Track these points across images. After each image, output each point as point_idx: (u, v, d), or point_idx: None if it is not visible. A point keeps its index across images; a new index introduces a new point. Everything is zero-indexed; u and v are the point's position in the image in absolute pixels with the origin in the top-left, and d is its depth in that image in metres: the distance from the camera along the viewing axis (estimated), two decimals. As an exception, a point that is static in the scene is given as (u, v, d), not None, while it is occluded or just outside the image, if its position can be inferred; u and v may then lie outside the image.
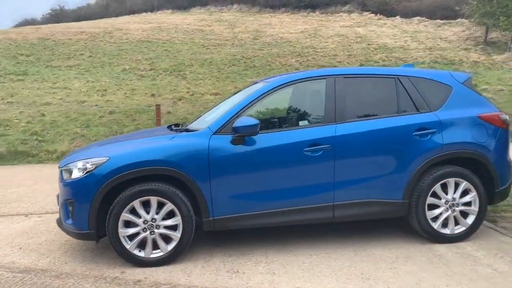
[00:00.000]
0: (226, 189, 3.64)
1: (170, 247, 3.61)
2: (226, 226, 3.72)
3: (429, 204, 3.91)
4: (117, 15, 48.17)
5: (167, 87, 14.75)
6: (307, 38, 26.05)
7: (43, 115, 11.74)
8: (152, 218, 3.57)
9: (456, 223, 3.99)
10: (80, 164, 3.60)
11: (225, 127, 3.68)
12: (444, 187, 3.94)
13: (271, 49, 22.58)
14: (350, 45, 23.65)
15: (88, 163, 3.57)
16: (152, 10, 48.18)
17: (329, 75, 4.00)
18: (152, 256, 3.61)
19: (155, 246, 3.62)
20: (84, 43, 22.94)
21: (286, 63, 19.30)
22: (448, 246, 3.90)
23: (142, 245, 3.62)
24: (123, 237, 3.55)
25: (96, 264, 3.70)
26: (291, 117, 4.24)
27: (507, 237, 4.12)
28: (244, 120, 3.59)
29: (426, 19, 35.57)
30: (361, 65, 19.06)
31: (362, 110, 3.97)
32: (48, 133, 10.52)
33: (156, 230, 3.59)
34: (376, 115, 3.95)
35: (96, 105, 12.65)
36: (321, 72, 4.08)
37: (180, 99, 13.35)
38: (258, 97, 3.86)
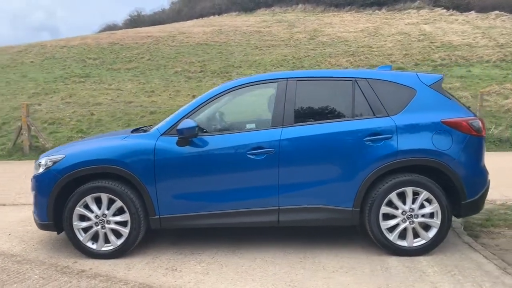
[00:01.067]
0: (171, 189, 3.77)
1: (120, 241, 3.83)
2: (172, 225, 3.86)
3: (385, 214, 3.72)
4: (187, 19, 50.33)
5: (209, 88, 15.17)
6: (365, 37, 25.21)
7: (92, 114, 12.74)
8: (103, 214, 3.81)
9: (416, 235, 3.74)
10: (43, 161, 3.95)
11: (172, 129, 3.81)
12: (403, 197, 3.72)
13: (325, 49, 22.21)
14: (409, 44, 22.45)
15: (48, 160, 3.91)
16: (219, 13, 49.68)
17: (281, 78, 3.96)
18: (103, 249, 3.85)
19: (107, 240, 3.85)
20: (147, 47, 24.30)
21: (336, 63, 18.89)
22: (402, 259, 3.68)
23: (96, 238, 3.87)
24: (78, 229, 3.84)
25: (58, 253, 4.03)
26: (241, 121, 4.25)
27: (477, 254, 3.78)
28: (185, 123, 3.69)
29: (506, 14, 32.63)
30: (416, 64, 18.08)
31: (313, 114, 3.88)
32: (92, 131, 11.42)
33: (106, 225, 3.82)
34: (328, 119, 3.84)
35: (141, 106, 13.42)
36: (273, 76, 4.06)
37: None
38: (206, 100, 3.94)
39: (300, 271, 3.53)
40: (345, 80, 3.92)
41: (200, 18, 48.59)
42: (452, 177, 3.69)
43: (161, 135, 3.82)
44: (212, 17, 47.82)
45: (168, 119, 4.00)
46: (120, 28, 57.22)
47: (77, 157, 3.83)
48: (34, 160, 4.33)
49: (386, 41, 23.86)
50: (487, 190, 3.86)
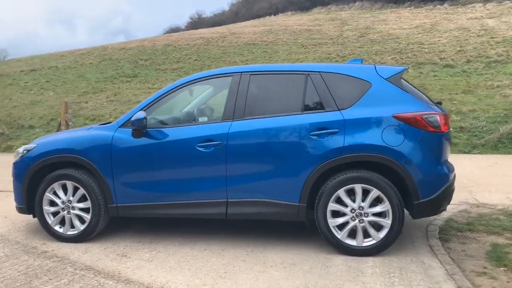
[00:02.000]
0: (126, 179, 3.95)
1: (83, 227, 4.07)
2: (128, 213, 4.03)
3: (334, 211, 3.61)
4: (244, 20, 51.03)
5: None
6: (419, 34, 24.00)
7: (130, 111, 13.46)
8: (69, 200, 4.08)
9: (367, 235, 3.59)
10: (20, 149, 4.30)
11: (128, 121, 3.98)
12: (353, 194, 3.59)
13: (372, 47, 21.49)
14: (466, 40, 21.01)
15: (23, 149, 4.25)
16: (275, 13, 49.85)
17: (235, 72, 3.98)
18: (68, 233, 4.12)
19: (73, 225, 4.12)
20: (197, 48, 25.08)
21: (380, 61, 18.18)
22: (349, 259, 3.56)
23: (63, 222, 4.15)
24: (47, 214, 4.14)
25: (35, 235, 4.37)
26: (195, 114, 4.30)
27: (433, 258, 3.54)
28: (136, 115, 3.85)
29: None
30: (468, 61, 16.87)
31: (263, 108, 3.86)
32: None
33: (72, 211, 4.09)
34: (278, 113, 3.79)
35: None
36: (229, 70, 4.09)
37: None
38: (163, 94, 4.07)
39: (239, 264, 3.54)
40: (298, 74, 3.85)
41: (257, 19, 49.05)
42: (403, 175, 3.49)
43: (119, 127, 4.01)
44: (267, 17, 48.08)
45: (128, 112, 4.18)
46: (181, 30, 59.48)
47: (45, 147, 4.14)
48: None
49: (441, 37, 22.57)
50: (448, 190, 3.60)
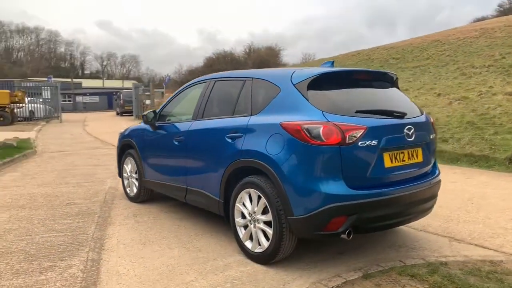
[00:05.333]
0: (147, 159, 5.28)
1: (136, 190, 5.69)
2: (147, 185, 5.35)
3: (240, 212, 3.80)
4: None
5: (465, 86, 13.15)
6: None
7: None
8: (130, 171, 5.78)
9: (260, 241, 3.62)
10: (121, 130, 6.29)
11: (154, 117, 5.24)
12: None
13: None
14: None
15: (123, 129, 6.21)
16: None
17: (208, 79, 4.59)
18: (131, 194, 5.83)
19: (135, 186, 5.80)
20: (463, 42, 22.54)
21: None
22: (246, 263, 3.66)
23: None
24: (125, 176, 5.99)
25: None
26: (182, 114, 4.96)
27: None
28: (147, 113, 5.08)
29: None
30: None
31: (213, 110, 4.32)
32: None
33: (131, 179, 5.77)
34: (219, 115, 4.19)
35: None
36: (205, 77, 4.70)
37: (459, 100, 11.86)
38: (171, 98, 5.11)
39: (152, 247, 4.23)
40: (238, 80, 4.10)
41: None
42: (276, 186, 3.31)
43: (148, 122, 5.32)
44: None
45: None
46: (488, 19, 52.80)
47: (124, 132, 5.93)
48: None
49: None
50: (326, 213, 3.10)
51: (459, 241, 4.12)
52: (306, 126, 3.19)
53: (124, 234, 4.43)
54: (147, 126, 5.32)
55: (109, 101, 49.97)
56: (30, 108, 24.72)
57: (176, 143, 4.64)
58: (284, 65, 43.11)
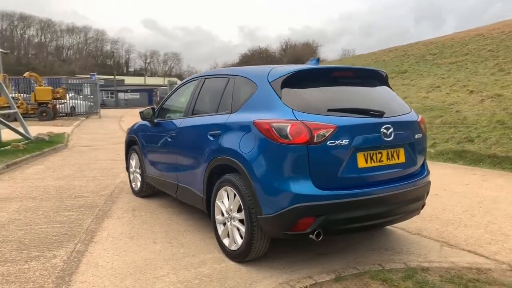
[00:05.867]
0: (147, 155, 5.40)
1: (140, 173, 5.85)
2: (148, 180, 5.47)
3: (219, 208, 3.82)
4: None
5: (501, 83, 12.37)
6: None
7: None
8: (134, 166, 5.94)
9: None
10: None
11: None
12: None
13: None
14: None
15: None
16: None
17: (200, 76, 4.62)
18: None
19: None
20: (506, 36, 21.27)
21: None
22: (220, 259, 3.68)
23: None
24: (131, 172, 6.16)
25: None
26: (177, 111, 4.99)
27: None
28: (144, 110, 5.18)
29: None
30: None
31: (202, 107, 4.35)
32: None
33: (135, 174, 5.93)
34: (205, 112, 4.21)
35: (423, 103, 13.20)
36: (198, 74, 4.70)
37: (492, 97, 11.19)
38: (167, 97, 5.19)
39: (138, 241, 4.29)
40: (224, 78, 4.10)
41: None
42: (247, 184, 3.29)
43: (149, 118, 5.42)
44: None
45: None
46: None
47: (131, 127, 6.10)
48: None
49: None
50: (293, 212, 3.05)
51: (452, 246, 3.93)
52: (275, 124, 3.15)
53: (117, 228, 4.56)
54: (147, 122, 5.43)
55: (149, 97, 51.36)
56: (71, 104, 25.89)
57: (169, 139, 4.71)
58: (321, 62, 42.49)
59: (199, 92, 4.47)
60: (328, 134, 3.08)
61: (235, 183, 3.45)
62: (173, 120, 4.83)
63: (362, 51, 55.84)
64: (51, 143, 11.46)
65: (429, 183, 3.76)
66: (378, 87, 3.83)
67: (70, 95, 25.79)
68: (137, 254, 3.79)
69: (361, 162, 3.22)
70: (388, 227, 4.47)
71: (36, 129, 15.30)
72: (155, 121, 5.19)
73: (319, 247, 3.87)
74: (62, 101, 24.67)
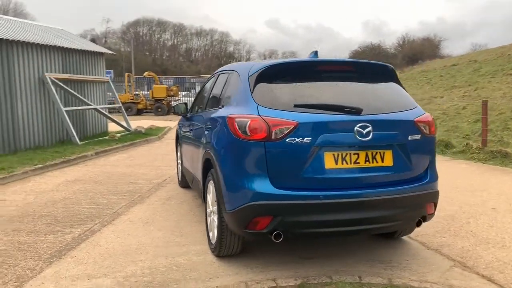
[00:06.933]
0: (182, 148, 5.69)
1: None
2: (183, 171, 5.75)
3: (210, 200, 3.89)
4: None
5: None
6: None
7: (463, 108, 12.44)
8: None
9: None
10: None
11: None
12: None
13: None
14: None
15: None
16: None
17: (216, 72, 4.69)
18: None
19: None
20: None
21: None
22: (201, 251, 3.76)
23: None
24: (179, 165, 6.56)
25: None
26: (200, 105, 5.01)
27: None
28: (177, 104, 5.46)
29: None
30: None
31: (211, 102, 4.40)
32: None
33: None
34: (212, 107, 4.26)
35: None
36: (217, 70, 4.74)
37: None
38: (199, 91, 5.36)
39: (148, 227, 4.53)
40: (226, 73, 4.11)
41: None
42: (217, 178, 3.28)
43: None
44: None
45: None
46: None
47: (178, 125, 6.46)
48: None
49: None
50: (248, 210, 2.93)
51: (466, 268, 3.35)
52: (237, 120, 3.09)
53: (140, 213, 4.90)
54: (185, 116, 5.69)
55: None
56: (184, 101, 28.20)
57: (189, 133, 4.90)
58: (442, 57, 38.82)
59: (212, 87, 4.55)
60: (287, 131, 2.90)
61: (213, 176, 3.47)
62: (195, 115, 4.99)
63: (494, 45, 49.48)
64: (145, 135, 12.69)
65: (433, 192, 3.27)
66: (374, 83, 3.45)
67: (183, 93, 28.06)
68: (136, 239, 4.04)
69: (329, 163, 2.95)
70: (406, 238, 4.01)
71: (148, 122, 17.09)
72: (188, 115, 5.42)
73: (307, 251, 3.65)
74: (176, 98, 26.98)
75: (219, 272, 3.27)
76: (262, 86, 3.24)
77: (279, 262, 3.44)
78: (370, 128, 2.97)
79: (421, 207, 3.21)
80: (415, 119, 3.21)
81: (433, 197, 3.29)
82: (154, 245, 3.85)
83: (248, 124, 2.99)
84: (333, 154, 2.96)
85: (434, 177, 3.32)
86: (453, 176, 6.85)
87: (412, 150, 3.16)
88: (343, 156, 2.98)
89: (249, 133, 2.97)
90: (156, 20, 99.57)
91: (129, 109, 23.65)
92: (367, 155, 3.02)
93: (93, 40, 68.93)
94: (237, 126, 3.07)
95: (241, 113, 3.14)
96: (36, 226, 4.40)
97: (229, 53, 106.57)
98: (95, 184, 6.44)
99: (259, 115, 3.00)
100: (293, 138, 2.90)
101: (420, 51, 43.84)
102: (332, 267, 3.34)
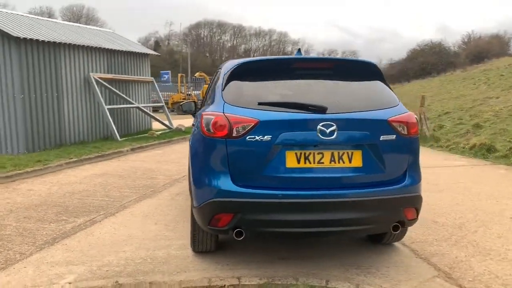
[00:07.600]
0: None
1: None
2: None
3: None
4: None
5: None
6: None
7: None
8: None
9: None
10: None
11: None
12: None
13: None
14: None
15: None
16: None
17: (219, 69, 4.72)
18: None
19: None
20: None
21: None
22: (185, 246, 3.83)
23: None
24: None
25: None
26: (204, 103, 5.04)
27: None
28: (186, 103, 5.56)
29: None
30: None
31: (209, 100, 4.44)
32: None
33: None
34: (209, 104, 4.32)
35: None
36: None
37: None
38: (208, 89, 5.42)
39: (146, 221, 4.68)
40: (217, 71, 4.14)
41: None
42: (188, 174, 3.33)
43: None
44: None
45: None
46: None
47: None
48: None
49: None
50: (209, 207, 2.94)
51: (449, 279, 3.11)
52: (205, 117, 3.11)
53: (145, 207, 5.08)
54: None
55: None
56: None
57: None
58: (511, 55, 35.81)
59: (210, 86, 4.61)
60: (248, 128, 2.88)
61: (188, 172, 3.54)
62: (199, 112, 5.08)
63: None
64: (185, 133, 13.07)
65: (412, 196, 3.07)
66: (354, 81, 3.31)
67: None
68: (130, 231, 4.19)
69: (291, 162, 2.89)
70: (398, 244, 3.81)
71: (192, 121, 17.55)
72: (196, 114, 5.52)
73: (287, 252, 3.59)
74: (226, 97, 27.44)
75: (189, 267, 3.32)
76: (233, 84, 3.24)
77: (252, 261, 3.41)
78: (334, 127, 2.86)
79: (396, 211, 3.03)
80: (389, 119, 3.03)
81: (413, 202, 3.09)
82: (143, 238, 3.98)
83: (211, 121, 3.01)
84: (296, 153, 2.89)
85: (415, 181, 3.12)
86: (482, 181, 6.37)
87: (386, 151, 3.00)
88: (306, 155, 2.90)
89: (212, 130, 2.99)
90: (217, 22, 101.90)
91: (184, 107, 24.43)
92: (332, 155, 2.91)
93: (156, 42, 72.27)
94: (204, 124, 3.10)
95: (211, 110, 3.17)
96: (46, 214, 4.72)
97: (287, 52, 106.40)
98: (117, 178, 6.76)
99: (223, 112, 3.01)
100: (253, 136, 2.87)
101: (486, 49, 40.81)
102: (304, 269, 3.26)
